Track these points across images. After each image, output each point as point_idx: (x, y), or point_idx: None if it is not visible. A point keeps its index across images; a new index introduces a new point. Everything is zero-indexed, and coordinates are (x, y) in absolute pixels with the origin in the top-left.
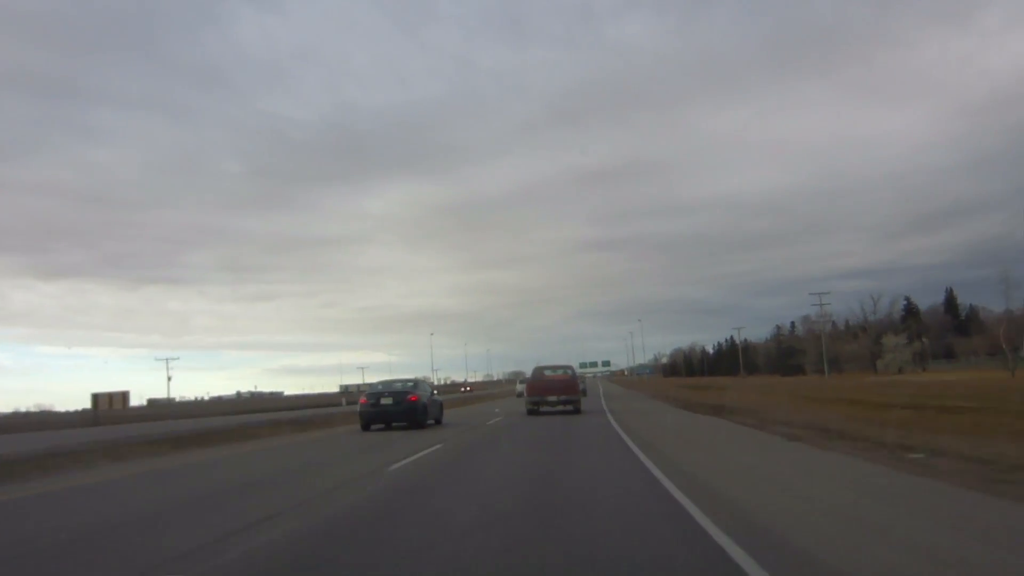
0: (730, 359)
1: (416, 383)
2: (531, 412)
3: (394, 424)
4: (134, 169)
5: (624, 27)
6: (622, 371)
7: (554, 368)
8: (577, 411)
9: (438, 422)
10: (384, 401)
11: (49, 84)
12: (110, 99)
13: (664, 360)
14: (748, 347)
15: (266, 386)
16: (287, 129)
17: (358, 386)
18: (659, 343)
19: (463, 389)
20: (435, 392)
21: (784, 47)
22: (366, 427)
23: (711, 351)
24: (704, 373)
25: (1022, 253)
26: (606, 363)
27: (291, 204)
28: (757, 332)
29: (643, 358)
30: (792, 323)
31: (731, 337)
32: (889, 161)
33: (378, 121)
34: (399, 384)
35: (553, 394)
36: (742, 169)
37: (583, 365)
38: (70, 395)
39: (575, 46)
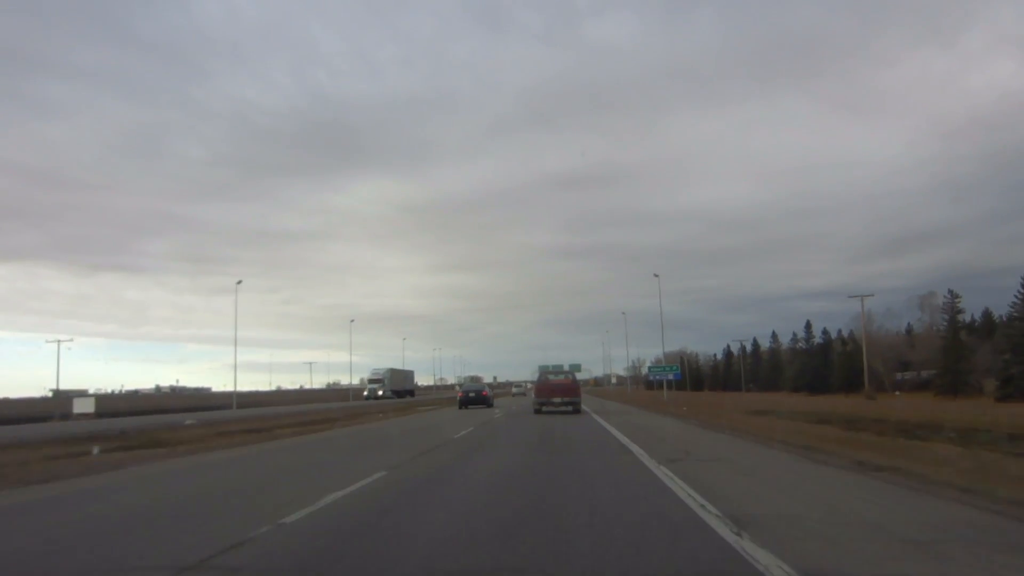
0: (735, 372)
1: (485, 385)
2: (537, 412)
3: (470, 406)
4: (89, 148)
5: (605, 27)
6: (595, 379)
7: (556, 372)
8: (577, 411)
9: (492, 406)
10: (471, 394)
11: None
12: (63, 71)
13: (645, 370)
14: (777, 353)
15: (220, 383)
16: (251, 114)
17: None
18: (623, 355)
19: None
20: (492, 390)
21: (765, 58)
22: (461, 407)
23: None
24: (723, 386)
25: (987, 280)
26: (575, 366)
27: (254, 194)
28: (715, 348)
29: (609, 367)
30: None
31: (735, 346)
32: (863, 182)
33: (346, 112)
34: (473, 384)
35: (557, 396)
36: (716, 182)
37: (543, 368)
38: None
39: (554, 43)
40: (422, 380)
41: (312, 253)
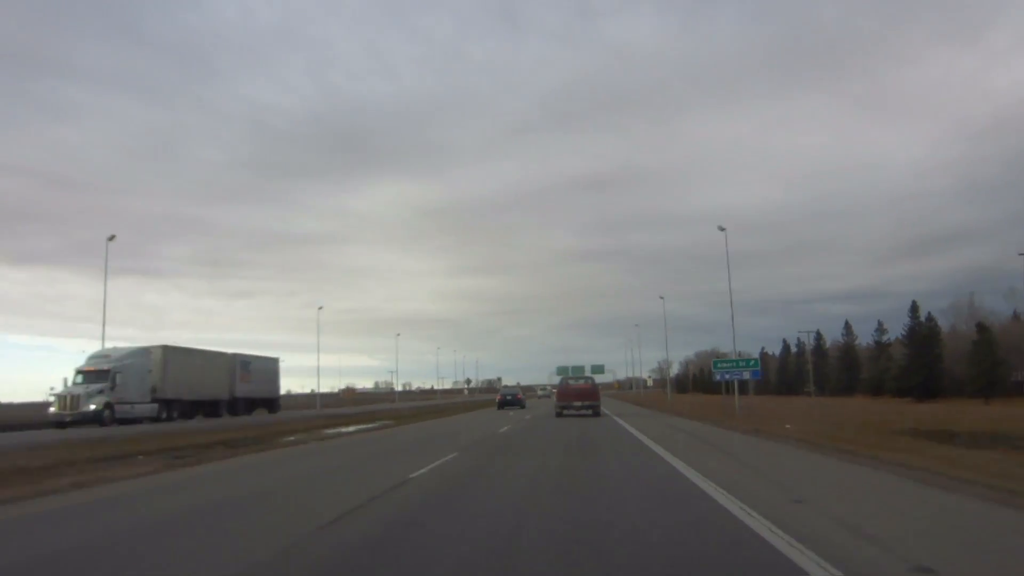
0: (792, 372)
1: (518, 389)
2: (558, 415)
3: (505, 407)
4: (107, 152)
5: (624, 26)
6: (616, 382)
7: (576, 378)
8: (597, 414)
9: (525, 407)
10: (508, 397)
11: (11, 56)
12: (80, 75)
13: (675, 372)
14: (851, 350)
15: None
16: (269, 117)
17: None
18: (647, 359)
19: None
20: (523, 393)
21: (787, 57)
22: (500, 408)
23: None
24: (778, 390)
25: (1013, 282)
26: (598, 368)
27: (272, 198)
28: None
29: (640, 369)
30: None
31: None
32: (885, 184)
33: (364, 113)
34: (510, 388)
35: (577, 400)
36: (737, 183)
37: (561, 370)
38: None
39: (572, 43)
40: (439, 384)
41: (331, 256)
